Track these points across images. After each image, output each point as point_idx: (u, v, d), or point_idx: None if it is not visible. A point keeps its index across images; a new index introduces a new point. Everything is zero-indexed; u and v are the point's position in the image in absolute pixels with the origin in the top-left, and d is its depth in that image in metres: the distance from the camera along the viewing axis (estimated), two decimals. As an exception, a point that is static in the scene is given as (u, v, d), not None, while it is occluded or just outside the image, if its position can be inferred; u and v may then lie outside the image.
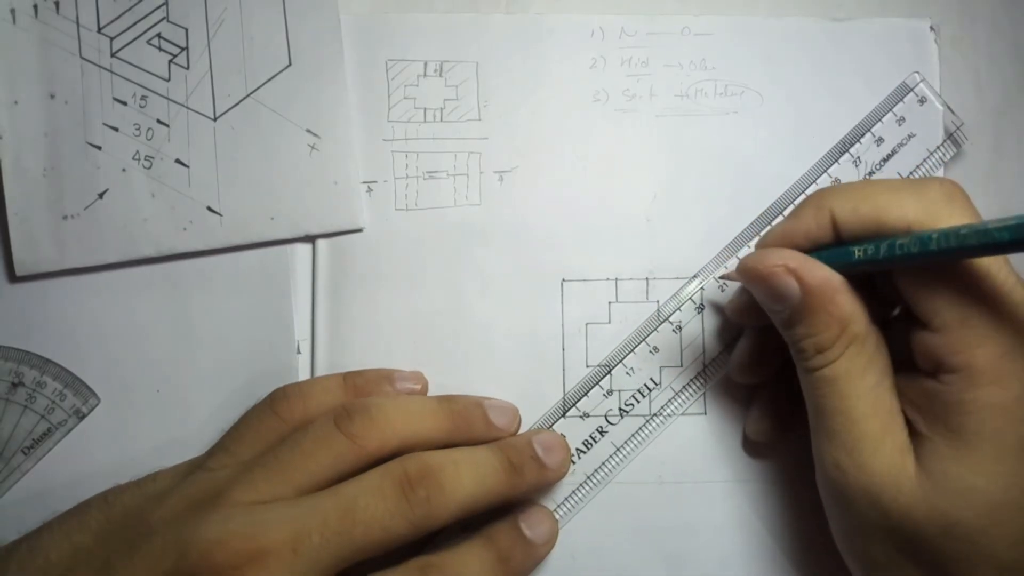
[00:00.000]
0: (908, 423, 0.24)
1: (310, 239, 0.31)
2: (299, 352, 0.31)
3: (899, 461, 0.24)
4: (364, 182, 0.31)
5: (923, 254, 0.22)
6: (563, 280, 0.31)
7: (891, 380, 0.25)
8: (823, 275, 0.24)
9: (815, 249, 0.26)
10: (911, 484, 0.23)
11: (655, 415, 0.31)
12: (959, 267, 0.23)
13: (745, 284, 0.27)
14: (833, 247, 0.25)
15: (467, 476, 0.26)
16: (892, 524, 0.24)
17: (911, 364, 0.25)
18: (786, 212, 0.31)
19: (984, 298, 0.22)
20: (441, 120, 0.32)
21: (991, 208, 0.32)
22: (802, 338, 0.25)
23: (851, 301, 0.24)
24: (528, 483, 0.28)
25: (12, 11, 0.31)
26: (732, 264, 0.31)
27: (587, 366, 0.31)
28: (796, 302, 0.24)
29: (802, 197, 0.31)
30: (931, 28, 0.32)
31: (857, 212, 0.24)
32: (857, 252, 0.24)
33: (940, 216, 0.23)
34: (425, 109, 0.32)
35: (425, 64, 0.32)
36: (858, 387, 0.24)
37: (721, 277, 0.31)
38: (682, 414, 0.31)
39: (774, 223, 0.31)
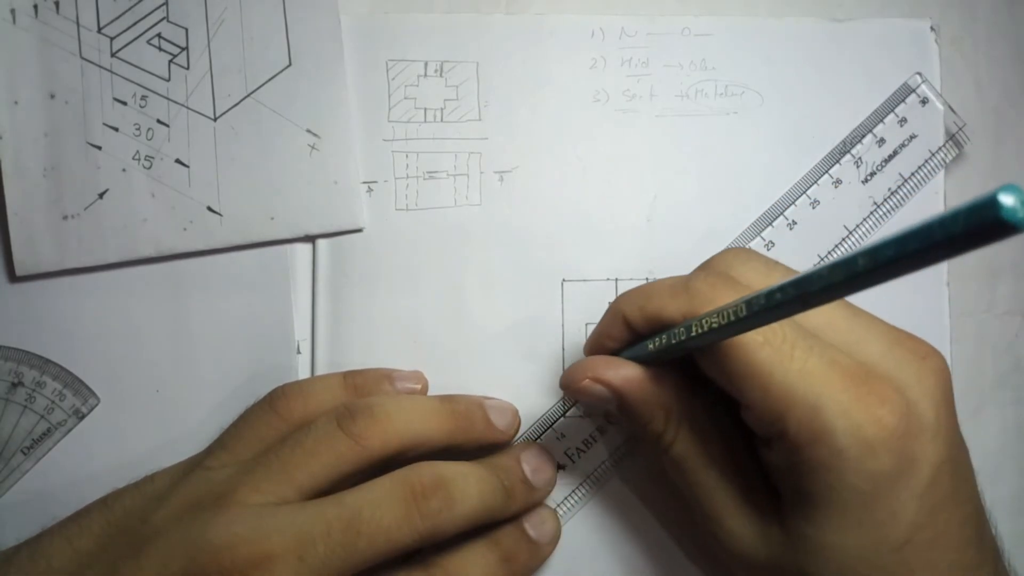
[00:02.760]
0: (773, 486, 0.25)
1: (310, 239, 0.31)
2: (299, 352, 0.31)
3: (762, 523, 0.25)
4: (364, 182, 0.31)
5: (691, 339, 0.23)
6: (563, 280, 0.31)
7: (739, 446, 0.26)
8: (624, 373, 0.26)
9: (624, 347, 0.27)
10: (777, 544, 0.24)
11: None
12: (738, 346, 0.23)
13: (572, 399, 0.29)
14: (635, 343, 0.27)
15: (474, 490, 0.26)
16: None
17: None
18: (786, 212, 0.31)
19: (768, 367, 0.23)
20: (441, 120, 0.32)
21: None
22: (639, 429, 0.27)
23: (663, 388, 0.26)
24: (518, 506, 0.28)
25: (12, 11, 0.31)
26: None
27: (587, 366, 0.31)
28: (615, 402, 0.26)
29: (803, 197, 0.31)
30: (931, 28, 0.32)
31: (642, 311, 0.26)
32: (650, 345, 0.25)
33: (705, 303, 0.24)
34: (425, 109, 0.32)
35: (425, 64, 0.32)
36: (702, 461, 0.26)
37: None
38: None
39: (763, 233, 0.31)
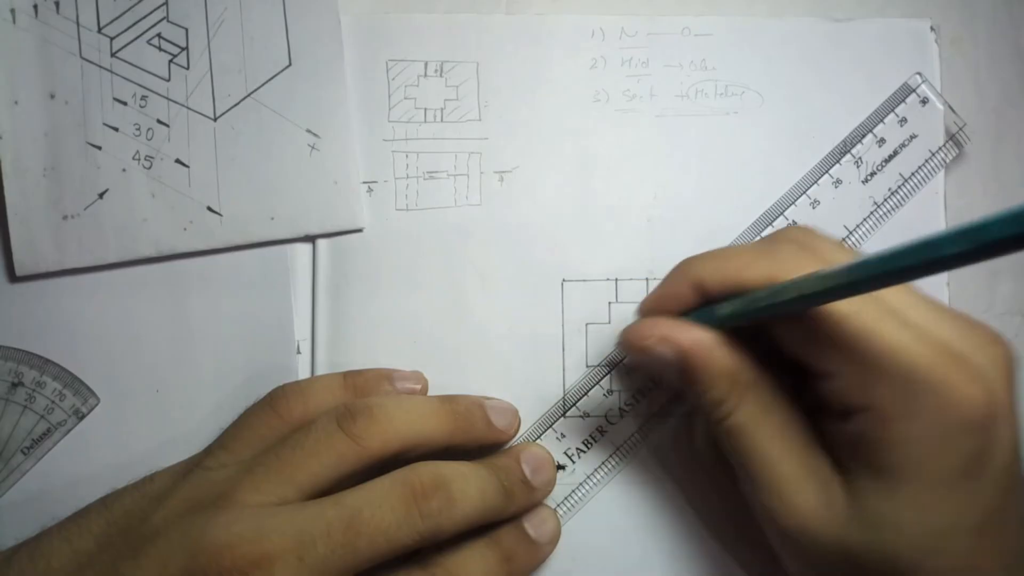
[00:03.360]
0: (838, 461, 0.25)
1: (310, 239, 0.31)
2: (299, 352, 0.31)
3: (826, 497, 0.24)
4: (364, 182, 0.31)
5: (775, 305, 0.23)
6: (563, 280, 0.31)
7: (801, 419, 0.25)
8: (694, 336, 0.25)
9: (687, 312, 0.27)
10: (843, 519, 0.23)
11: (655, 415, 0.31)
12: (825, 315, 0.23)
13: (630, 357, 0.28)
14: (703, 308, 0.26)
15: (474, 490, 0.26)
16: (832, 560, 0.24)
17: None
18: (786, 212, 0.31)
19: (858, 338, 0.22)
20: (441, 120, 0.32)
21: (992, 208, 0.32)
22: (699, 396, 0.26)
23: (730, 354, 0.25)
24: (517, 506, 0.28)
25: (12, 11, 0.31)
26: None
27: (587, 366, 0.31)
28: (680, 365, 0.25)
29: (803, 197, 0.31)
30: (931, 28, 0.32)
31: (719, 273, 0.25)
32: (722, 309, 0.25)
33: (791, 269, 0.24)
34: (425, 109, 0.32)
35: (425, 64, 0.32)
36: (765, 432, 0.25)
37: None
38: (682, 414, 0.31)
39: (764, 233, 0.31)
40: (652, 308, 0.28)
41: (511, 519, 0.29)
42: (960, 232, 0.17)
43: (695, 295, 0.26)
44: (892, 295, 0.23)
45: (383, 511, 0.24)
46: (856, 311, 0.23)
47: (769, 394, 0.25)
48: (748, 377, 0.25)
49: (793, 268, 0.23)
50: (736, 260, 0.25)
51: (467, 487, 0.26)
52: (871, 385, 0.22)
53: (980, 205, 0.33)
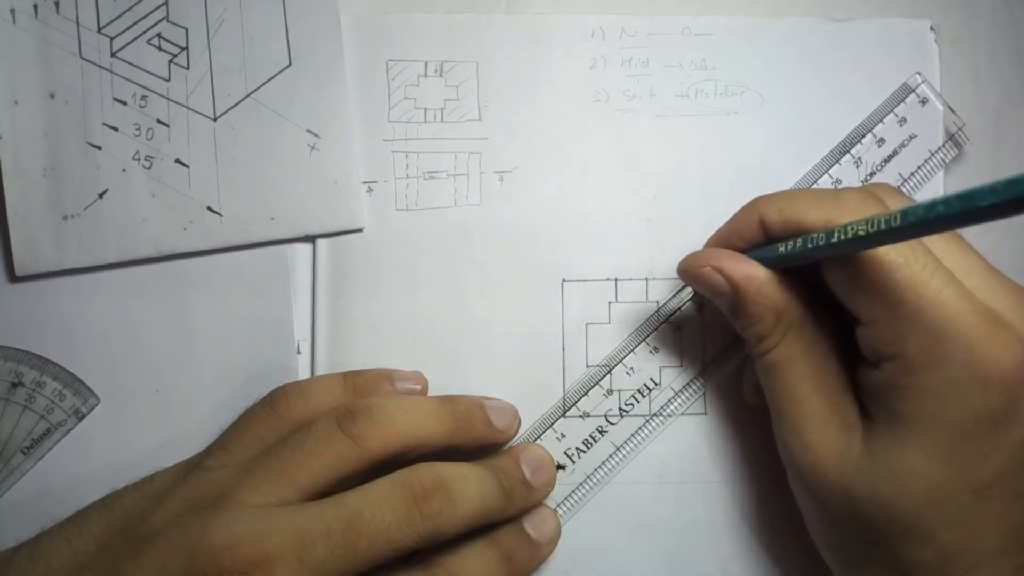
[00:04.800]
0: (863, 408, 0.25)
1: (310, 239, 0.31)
2: (299, 352, 0.31)
3: (845, 441, 0.25)
4: (364, 182, 0.31)
5: (829, 245, 0.23)
6: (563, 280, 0.31)
7: (837, 363, 0.26)
8: (747, 270, 0.26)
9: (750, 248, 0.27)
10: (854, 464, 0.24)
11: (655, 415, 0.31)
12: (875, 262, 0.23)
13: (686, 283, 0.29)
14: (765, 246, 0.27)
15: (474, 491, 0.26)
16: (837, 502, 0.25)
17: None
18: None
19: (903, 288, 0.23)
20: (441, 120, 0.32)
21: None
22: (744, 328, 0.27)
23: (781, 292, 0.26)
24: (517, 507, 0.28)
25: (12, 11, 0.31)
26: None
27: (587, 366, 0.31)
28: (730, 296, 0.26)
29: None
30: (931, 28, 0.32)
31: (781, 214, 0.26)
32: (781, 248, 0.26)
33: (852, 214, 0.24)
34: (425, 109, 0.32)
35: (425, 64, 0.32)
36: (799, 370, 0.26)
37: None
38: (682, 414, 0.31)
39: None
40: (717, 242, 0.29)
41: (511, 519, 0.29)
42: (996, 186, 0.18)
43: (758, 232, 0.27)
44: (954, 257, 0.24)
45: (383, 512, 0.24)
46: (904, 262, 0.23)
47: (811, 335, 0.26)
48: (793, 316, 0.26)
49: (855, 213, 0.24)
50: (801, 201, 0.26)
51: (467, 488, 0.26)
52: (904, 335, 0.23)
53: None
